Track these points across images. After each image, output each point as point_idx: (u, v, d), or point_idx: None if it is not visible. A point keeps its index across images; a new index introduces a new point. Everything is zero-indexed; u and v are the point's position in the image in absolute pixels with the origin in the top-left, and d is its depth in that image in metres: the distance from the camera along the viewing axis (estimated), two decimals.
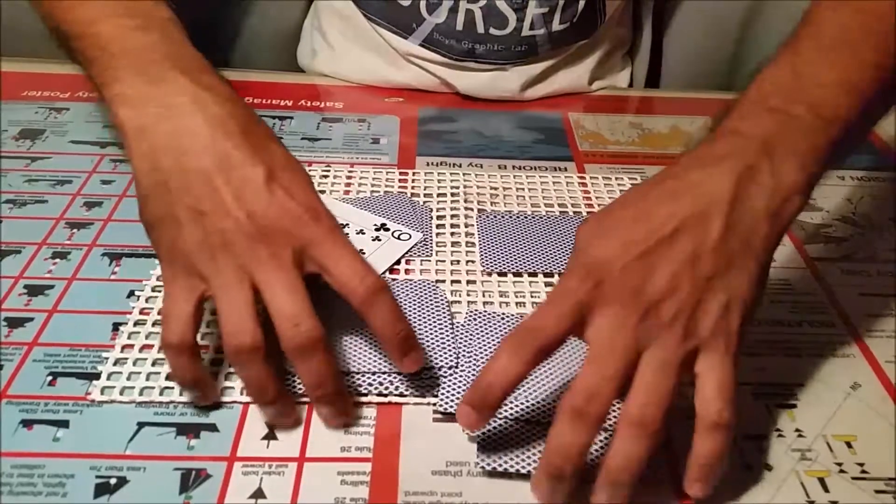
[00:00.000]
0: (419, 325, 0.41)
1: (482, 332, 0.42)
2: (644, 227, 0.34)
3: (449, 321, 0.42)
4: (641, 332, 0.33)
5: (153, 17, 0.42)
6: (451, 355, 0.40)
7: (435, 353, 0.40)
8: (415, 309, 0.42)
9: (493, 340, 0.41)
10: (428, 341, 0.40)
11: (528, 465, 0.36)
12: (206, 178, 0.36)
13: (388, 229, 0.50)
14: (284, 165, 0.37)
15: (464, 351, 0.41)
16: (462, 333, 0.42)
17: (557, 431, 0.32)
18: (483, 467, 0.36)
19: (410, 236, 0.50)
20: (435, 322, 0.42)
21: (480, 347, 0.41)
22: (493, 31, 0.63)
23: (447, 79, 0.66)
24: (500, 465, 0.35)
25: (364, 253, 0.48)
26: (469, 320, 0.43)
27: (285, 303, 0.34)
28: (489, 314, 0.43)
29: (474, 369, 0.40)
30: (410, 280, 0.44)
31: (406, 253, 0.48)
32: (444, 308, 0.42)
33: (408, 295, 0.43)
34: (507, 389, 0.33)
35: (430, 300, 0.43)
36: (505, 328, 0.42)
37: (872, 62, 0.37)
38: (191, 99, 0.38)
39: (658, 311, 0.33)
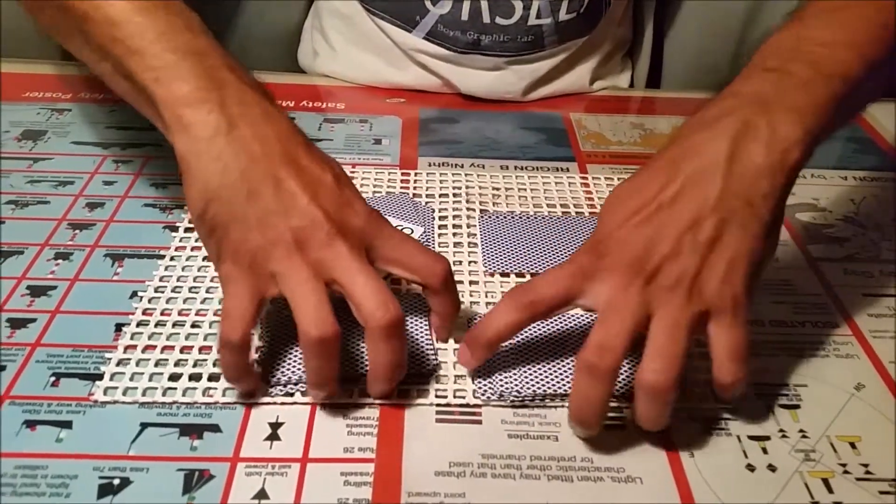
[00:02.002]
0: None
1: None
2: (645, 196, 0.35)
3: (428, 330, 0.42)
4: (647, 295, 0.34)
5: (194, 19, 0.41)
6: (433, 359, 0.40)
7: (416, 362, 0.40)
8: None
9: (517, 339, 0.41)
10: (411, 350, 0.41)
11: (536, 389, 0.38)
12: (280, 182, 0.37)
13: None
14: (344, 174, 0.40)
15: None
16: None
17: (576, 386, 0.35)
18: (479, 396, 0.38)
19: (412, 231, 0.50)
20: (417, 332, 0.42)
21: (507, 346, 0.41)
22: (499, 20, 0.62)
23: (450, 78, 0.66)
24: (496, 392, 0.38)
25: None
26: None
27: (371, 289, 0.35)
28: None
29: (504, 362, 0.40)
30: (401, 295, 0.44)
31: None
32: (424, 318, 0.43)
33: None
34: (501, 334, 0.36)
35: (416, 313, 0.43)
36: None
37: (877, 21, 0.38)
38: (260, 109, 0.38)
39: (661, 275, 0.34)
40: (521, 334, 0.42)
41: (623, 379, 0.38)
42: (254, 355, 0.39)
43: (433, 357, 0.41)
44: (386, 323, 0.35)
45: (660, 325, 0.33)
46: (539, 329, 0.42)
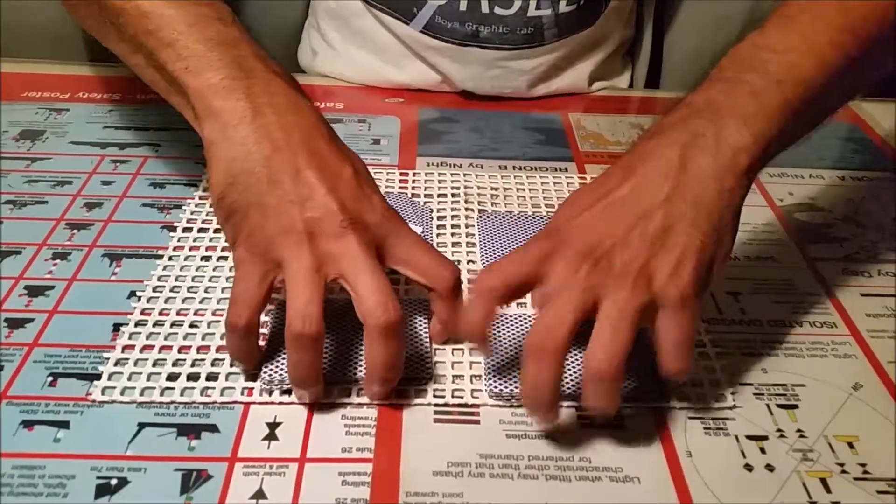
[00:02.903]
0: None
1: (503, 332, 0.42)
2: (600, 192, 0.37)
3: (427, 334, 0.42)
4: (595, 279, 0.34)
5: (224, 10, 0.42)
6: (427, 365, 0.40)
7: (413, 364, 0.40)
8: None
9: (515, 339, 0.42)
10: (407, 352, 0.40)
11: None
12: (300, 171, 0.37)
13: None
14: (365, 170, 0.40)
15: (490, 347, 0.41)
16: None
17: (525, 370, 0.35)
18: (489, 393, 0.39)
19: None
20: (414, 334, 0.42)
21: (505, 346, 0.41)
22: (497, 10, 0.62)
23: (449, 72, 0.66)
24: (507, 389, 0.39)
25: None
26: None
27: (374, 287, 0.36)
28: (506, 315, 0.43)
29: (502, 363, 0.40)
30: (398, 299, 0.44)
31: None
32: (424, 323, 0.42)
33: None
34: (482, 330, 0.36)
35: (413, 315, 0.43)
36: (524, 327, 0.43)
37: (838, 24, 0.38)
38: (286, 99, 0.39)
39: (610, 261, 0.35)
40: (525, 335, 0.42)
41: (575, 377, 0.39)
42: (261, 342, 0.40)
43: (431, 357, 0.41)
44: (384, 323, 0.35)
45: (606, 314, 0.34)
46: None
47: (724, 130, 0.36)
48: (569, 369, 0.40)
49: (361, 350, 0.40)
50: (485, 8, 0.62)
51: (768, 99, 0.37)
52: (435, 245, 0.49)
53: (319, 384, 0.38)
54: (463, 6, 0.62)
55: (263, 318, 0.43)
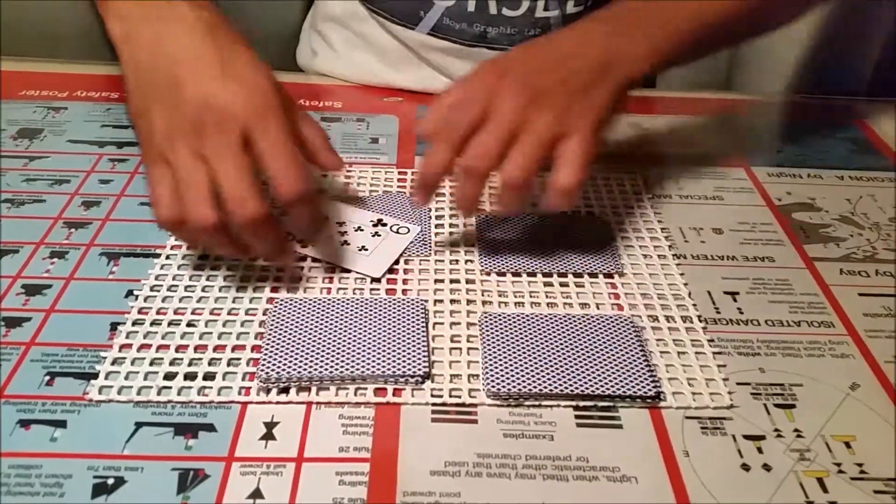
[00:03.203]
0: (397, 334, 0.42)
1: (500, 332, 0.42)
2: (541, 52, 0.45)
3: (425, 333, 0.42)
4: (527, 113, 0.42)
5: None
6: (424, 364, 0.40)
7: (409, 363, 0.40)
8: (394, 320, 0.42)
9: (513, 338, 0.42)
10: (404, 351, 0.41)
11: (531, 388, 0.39)
12: (173, 74, 0.40)
13: (385, 224, 0.50)
14: (246, 62, 0.41)
15: (488, 348, 0.41)
16: (484, 333, 0.42)
17: (459, 186, 0.43)
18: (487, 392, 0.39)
19: (409, 230, 0.50)
20: (411, 333, 0.42)
21: (503, 345, 0.41)
22: (505, 11, 0.62)
23: (454, 74, 0.66)
24: (505, 389, 0.39)
25: (366, 249, 0.48)
26: (486, 322, 0.43)
27: (232, 185, 0.39)
28: (504, 315, 0.44)
29: (500, 362, 0.40)
30: (396, 298, 0.44)
31: (407, 246, 0.49)
32: (421, 322, 0.43)
33: (391, 310, 0.43)
34: (444, 172, 0.43)
35: (410, 314, 0.43)
36: (521, 327, 0.43)
37: None
38: (169, 9, 0.42)
39: (542, 101, 0.42)
40: (523, 335, 0.42)
41: (575, 378, 0.40)
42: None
43: (429, 356, 0.41)
44: (244, 222, 0.39)
45: (525, 138, 0.41)
46: (538, 330, 0.42)
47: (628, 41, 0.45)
48: (569, 369, 0.40)
49: (360, 348, 0.40)
50: (493, 9, 0.62)
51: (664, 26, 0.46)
52: (434, 244, 0.50)
53: (287, 253, 0.44)
54: (471, 7, 0.62)
55: (262, 316, 0.43)
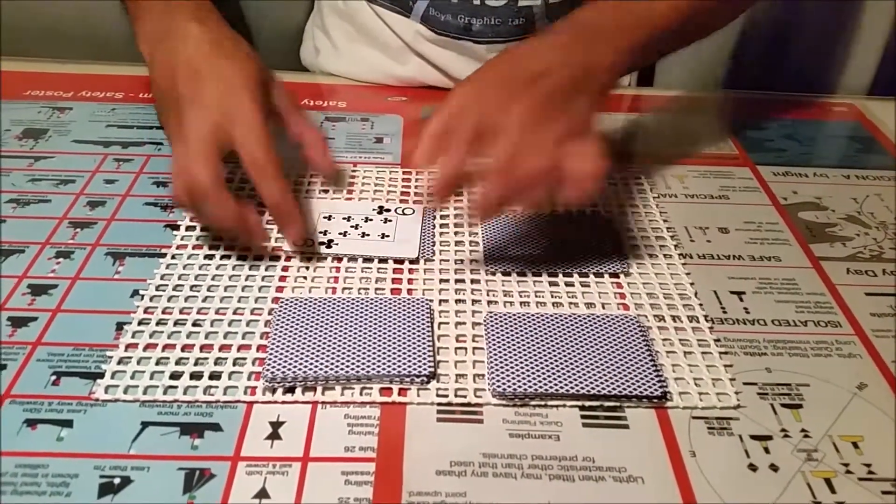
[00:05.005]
0: (402, 334, 0.41)
1: (506, 332, 0.42)
2: (516, 68, 0.45)
3: (430, 333, 0.42)
4: (533, 119, 0.43)
5: None
6: (429, 364, 0.40)
7: (415, 363, 0.40)
8: (399, 320, 0.42)
9: (518, 338, 0.42)
10: (409, 350, 0.41)
11: (537, 388, 0.39)
12: (175, 79, 0.47)
13: (388, 210, 0.52)
14: (230, 66, 0.48)
15: (493, 348, 0.41)
16: (489, 332, 0.42)
17: (480, 193, 0.42)
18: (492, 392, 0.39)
19: (414, 210, 0.51)
20: (416, 332, 0.42)
21: (508, 345, 0.41)
22: (489, 1, 0.62)
23: (446, 65, 0.66)
24: (510, 389, 0.39)
25: (388, 236, 0.49)
26: (492, 322, 0.43)
27: (189, 156, 0.44)
28: (510, 315, 0.43)
29: (506, 362, 0.40)
30: (401, 297, 0.44)
31: (423, 225, 0.50)
32: (427, 321, 0.42)
33: (396, 310, 0.43)
34: (462, 177, 0.43)
35: (416, 313, 0.43)
36: (527, 327, 0.43)
37: None
38: (182, 30, 0.49)
39: (538, 111, 0.43)
40: (528, 335, 0.42)
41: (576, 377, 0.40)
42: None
43: (434, 356, 0.41)
44: (193, 185, 0.44)
45: (540, 138, 0.43)
46: (544, 330, 0.42)
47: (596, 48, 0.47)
48: (575, 369, 0.40)
49: (365, 348, 0.40)
50: None
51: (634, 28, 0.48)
52: (438, 244, 0.49)
53: (255, 232, 0.46)
54: None
55: (268, 316, 0.43)
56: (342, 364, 0.40)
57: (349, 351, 0.40)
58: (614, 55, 0.47)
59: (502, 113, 0.43)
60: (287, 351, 0.40)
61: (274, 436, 0.37)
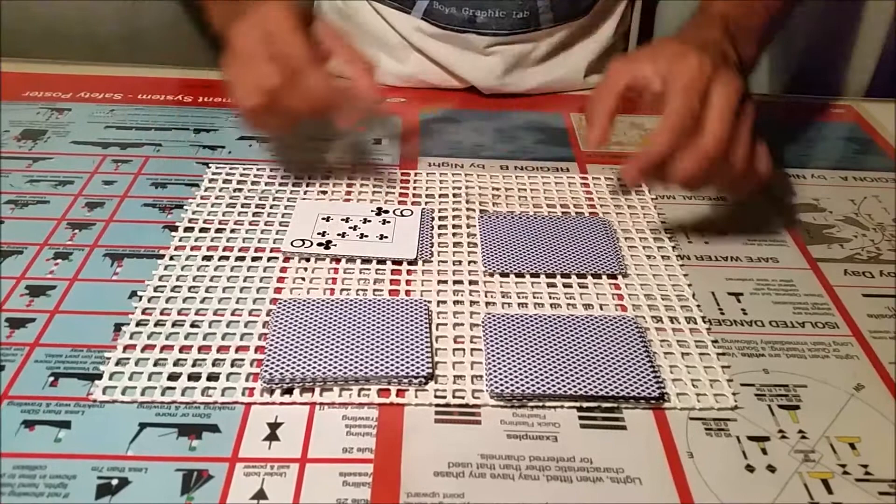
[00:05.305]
0: (400, 335, 0.41)
1: (504, 333, 0.42)
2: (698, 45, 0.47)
3: (428, 334, 0.42)
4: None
5: None
6: (427, 365, 0.40)
7: (412, 364, 0.40)
8: (397, 321, 0.42)
9: (516, 339, 0.42)
10: (407, 351, 0.41)
11: (535, 389, 0.39)
12: (244, 47, 0.48)
13: (387, 211, 0.52)
14: (272, 17, 0.48)
15: (491, 349, 0.41)
16: (487, 333, 0.42)
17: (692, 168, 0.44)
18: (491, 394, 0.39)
19: (412, 212, 0.51)
20: (414, 333, 0.42)
21: (506, 346, 0.41)
22: None
23: (447, 60, 0.66)
24: (508, 390, 0.39)
25: (387, 237, 0.49)
26: (489, 323, 0.43)
27: (254, 64, 0.47)
28: (507, 316, 0.43)
29: (504, 363, 0.40)
30: (399, 299, 0.44)
31: (421, 226, 0.51)
32: (425, 322, 0.42)
33: (394, 311, 0.43)
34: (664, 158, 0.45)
35: (414, 314, 0.43)
36: (524, 328, 0.43)
37: None
38: (253, 9, 0.50)
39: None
40: (526, 336, 0.42)
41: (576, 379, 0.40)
42: None
43: (432, 357, 0.41)
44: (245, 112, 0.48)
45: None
46: (542, 331, 0.42)
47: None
48: (573, 370, 0.40)
49: (363, 349, 0.40)
50: None
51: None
52: (437, 245, 0.50)
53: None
54: None
55: (266, 317, 0.43)
56: (340, 365, 0.40)
57: (347, 352, 0.40)
58: (751, 49, 0.51)
59: (716, 96, 0.44)
60: (285, 352, 0.40)
61: (272, 437, 0.37)
